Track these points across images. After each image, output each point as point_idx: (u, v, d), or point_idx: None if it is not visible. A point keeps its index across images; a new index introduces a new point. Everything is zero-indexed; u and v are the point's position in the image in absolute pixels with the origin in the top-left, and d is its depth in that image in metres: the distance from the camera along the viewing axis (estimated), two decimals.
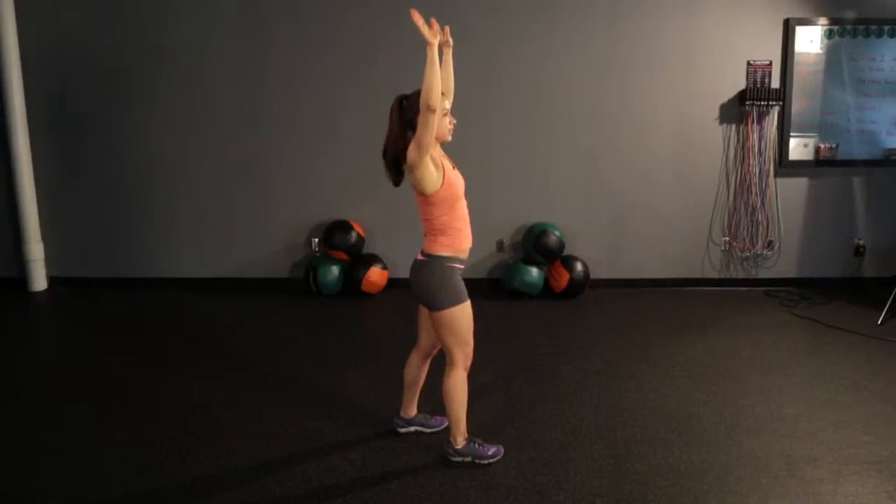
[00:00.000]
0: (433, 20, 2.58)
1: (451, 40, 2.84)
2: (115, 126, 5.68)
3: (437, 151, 2.77)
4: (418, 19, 2.52)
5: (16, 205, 5.65)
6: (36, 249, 5.72)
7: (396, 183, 2.86)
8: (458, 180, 2.81)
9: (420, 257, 2.83)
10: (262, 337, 4.60)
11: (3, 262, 5.85)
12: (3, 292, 5.70)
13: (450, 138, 2.82)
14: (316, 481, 2.80)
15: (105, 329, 4.79)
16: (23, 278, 5.76)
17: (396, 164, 2.79)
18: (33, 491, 2.75)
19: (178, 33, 5.56)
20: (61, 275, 5.88)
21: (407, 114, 2.74)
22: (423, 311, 2.96)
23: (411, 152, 2.65)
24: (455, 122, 2.84)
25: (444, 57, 2.86)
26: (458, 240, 2.80)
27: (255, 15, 5.54)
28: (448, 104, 2.85)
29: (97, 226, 5.81)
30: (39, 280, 5.79)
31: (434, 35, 2.53)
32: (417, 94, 2.70)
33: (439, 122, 2.68)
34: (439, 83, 2.54)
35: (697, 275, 5.86)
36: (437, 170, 2.70)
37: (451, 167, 2.81)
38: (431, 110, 2.54)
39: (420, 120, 2.57)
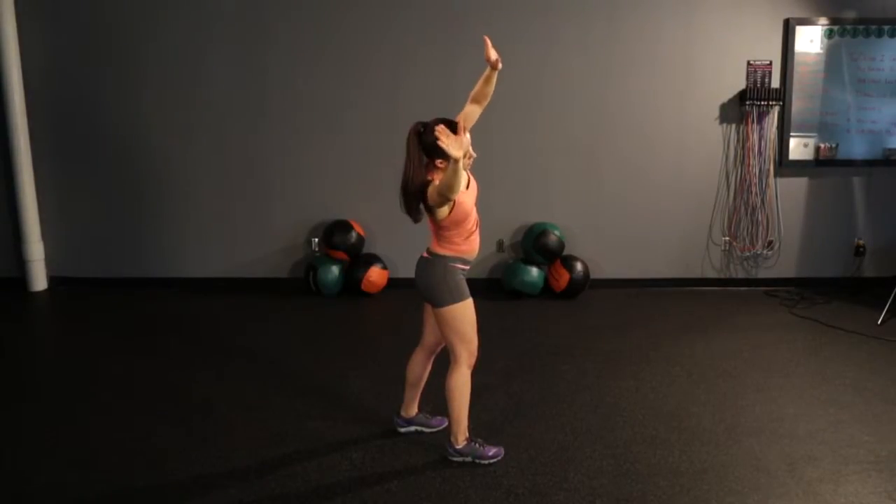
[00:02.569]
0: (495, 56, 2.70)
1: (500, 66, 2.83)
2: (116, 126, 5.68)
3: None
4: (442, 135, 2.47)
5: (16, 205, 5.65)
6: (36, 249, 5.72)
7: (416, 220, 2.82)
8: (469, 198, 2.80)
9: (425, 255, 2.86)
10: (262, 337, 4.60)
11: (3, 262, 5.85)
12: (3, 292, 5.70)
13: (469, 168, 2.84)
14: (316, 481, 2.80)
15: (105, 329, 4.79)
16: (23, 278, 5.76)
17: (417, 199, 2.72)
18: (33, 490, 2.75)
19: (178, 33, 5.56)
20: (61, 275, 5.88)
21: (425, 142, 2.70)
22: (428, 308, 2.97)
23: (433, 196, 2.66)
24: (475, 156, 2.83)
25: (489, 76, 2.87)
26: (465, 248, 2.84)
27: (255, 15, 5.54)
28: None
29: (97, 226, 5.81)
30: (39, 280, 5.79)
31: (459, 149, 2.47)
32: (434, 122, 2.65)
33: None
34: (460, 186, 2.57)
35: (697, 275, 5.86)
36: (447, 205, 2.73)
37: (464, 187, 2.77)
38: (448, 200, 2.63)
39: (437, 198, 2.62)
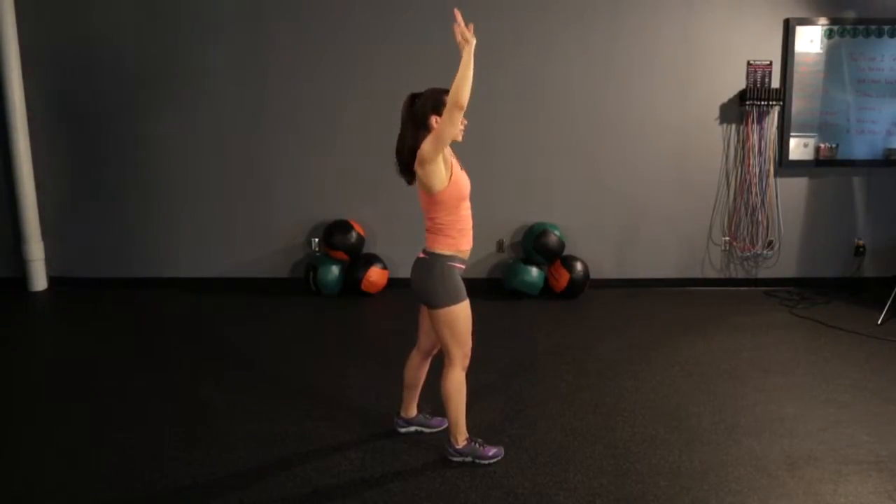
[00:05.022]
0: (471, 25, 2.62)
1: (473, 39, 2.72)
2: (115, 126, 5.68)
3: (447, 149, 2.79)
4: (458, 17, 2.56)
5: (16, 205, 5.65)
6: (36, 249, 5.72)
7: (410, 182, 2.87)
8: (464, 180, 2.83)
9: (421, 255, 2.85)
10: (262, 337, 4.60)
11: (3, 262, 5.85)
12: (3, 292, 5.70)
13: (460, 138, 2.81)
14: (316, 481, 2.80)
15: (105, 329, 4.79)
16: (23, 278, 5.76)
17: (410, 163, 2.78)
18: (33, 491, 2.75)
19: (178, 33, 5.56)
20: (61, 275, 5.88)
21: (419, 112, 2.74)
22: (424, 311, 2.97)
23: (426, 146, 2.67)
24: (466, 122, 2.82)
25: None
26: (460, 240, 2.83)
27: (255, 15, 5.54)
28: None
29: (97, 226, 5.81)
30: (39, 280, 5.79)
31: (473, 35, 2.56)
32: (430, 92, 2.74)
33: None
34: (470, 82, 2.57)
35: (697, 275, 5.86)
36: (445, 168, 2.72)
37: (458, 167, 2.83)
38: (459, 108, 2.58)
39: (445, 115, 2.62)
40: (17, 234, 5.72)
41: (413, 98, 2.79)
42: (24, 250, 5.70)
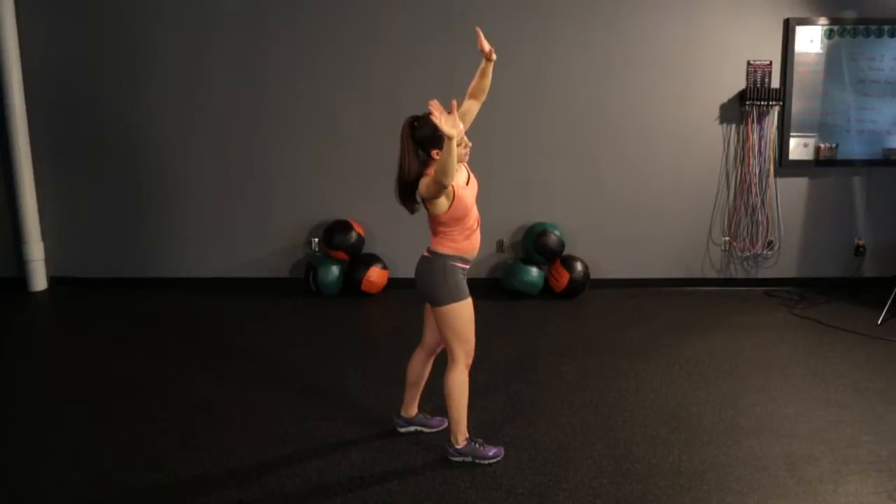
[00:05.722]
0: (488, 47, 2.64)
1: (494, 56, 2.82)
2: (116, 126, 5.68)
3: None
4: (435, 110, 2.47)
5: (16, 205, 5.65)
6: (36, 249, 5.73)
7: (413, 211, 2.85)
8: (468, 193, 2.81)
9: (426, 254, 2.87)
10: (262, 337, 4.60)
11: (3, 262, 5.85)
12: (3, 292, 5.70)
13: (466, 160, 2.81)
14: (316, 481, 2.80)
15: (105, 329, 4.79)
16: (23, 278, 5.76)
17: (412, 190, 2.75)
18: (33, 491, 2.75)
19: (178, 33, 5.56)
20: (61, 275, 5.88)
21: (419, 134, 2.73)
22: (429, 308, 2.98)
23: (422, 189, 2.69)
24: (471, 145, 2.83)
25: (484, 69, 2.89)
26: (464, 244, 2.84)
27: (255, 15, 5.54)
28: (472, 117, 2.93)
29: (97, 226, 5.81)
30: (39, 280, 5.79)
31: (453, 127, 2.46)
32: (429, 121, 2.67)
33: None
34: (454, 169, 2.54)
35: (697, 275, 5.86)
36: (446, 198, 2.72)
37: (464, 182, 2.80)
38: (443, 187, 2.59)
39: (432, 186, 2.61)
40: (17, 234, 5.72)
41: (413, 122, 2.75)
42: (24, 250, 5.70)
